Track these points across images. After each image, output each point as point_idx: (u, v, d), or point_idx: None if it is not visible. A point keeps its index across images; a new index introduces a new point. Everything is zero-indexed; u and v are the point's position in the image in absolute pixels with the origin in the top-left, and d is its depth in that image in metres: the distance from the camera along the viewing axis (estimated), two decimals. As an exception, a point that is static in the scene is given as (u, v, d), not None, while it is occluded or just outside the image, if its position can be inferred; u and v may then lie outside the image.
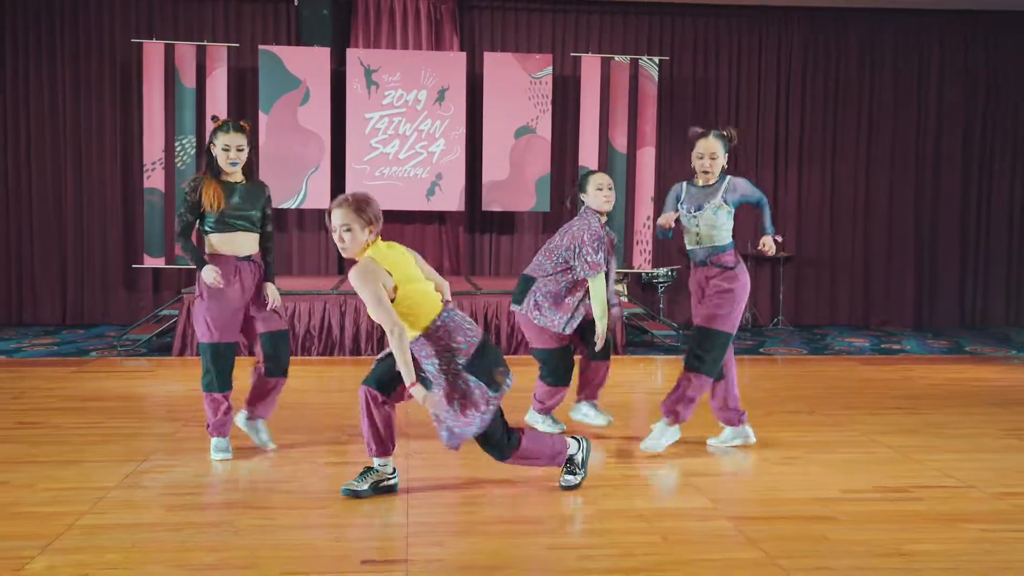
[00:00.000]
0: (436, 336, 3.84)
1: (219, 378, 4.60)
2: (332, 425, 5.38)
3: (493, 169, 10.33)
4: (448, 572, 3.23)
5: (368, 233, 3.84)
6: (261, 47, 10.08)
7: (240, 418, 4.80)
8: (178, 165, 9.99)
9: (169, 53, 10.01)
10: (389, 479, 4.11)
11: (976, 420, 5.82)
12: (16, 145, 10.24)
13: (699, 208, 4.89)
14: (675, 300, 11.06)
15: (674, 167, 11.06)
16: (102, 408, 5.86)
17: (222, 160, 4.55)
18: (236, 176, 4.65)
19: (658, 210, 10.79)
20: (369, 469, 4.11)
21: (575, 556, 3.38)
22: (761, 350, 9.15)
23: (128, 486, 4.18)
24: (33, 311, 10.35)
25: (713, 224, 4.89)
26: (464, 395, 3.84)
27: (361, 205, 3.84)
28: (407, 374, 3.74)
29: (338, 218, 3.83)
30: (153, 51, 9.95)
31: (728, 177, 4.96)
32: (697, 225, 4.92)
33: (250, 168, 4.75)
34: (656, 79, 10.54)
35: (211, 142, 4.59)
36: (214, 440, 4.68)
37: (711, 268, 4.94)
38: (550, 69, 10.36)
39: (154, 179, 9.97)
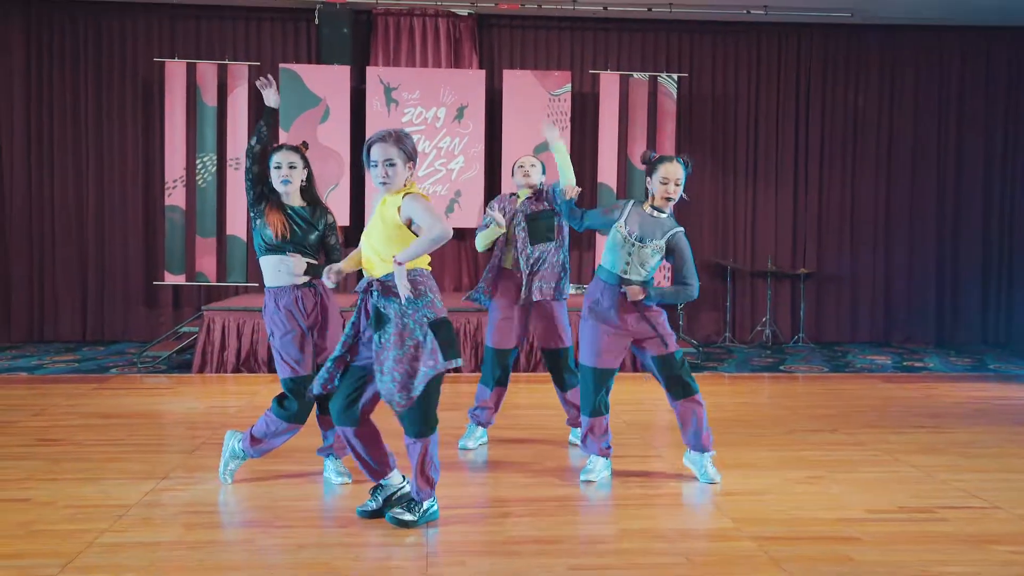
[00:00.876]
0: (424, 279, 3.87)
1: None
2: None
3: (512, 186, 10.27)
4: (469, 592, 3.20)
5: (408, 169, 3.88)
6: (282, 65, 10.15)
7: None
8: (199, 183, 10.06)
9: (191, 72, 10.10)
10: (401, 487, 4.08)
11: (1001, 439, 5.74)
12: (39, 163, 10.33)
13: (641, 240, 4.56)
14: (694, 317, 11.01)
15: (693, 183, 11.02)
16: (122, 425, 5.88)
17: (274, 179, 4.45)
18: (295, 199, 4.51)
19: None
20: (379, 487, 4.09)
21: (597, 577, 3.35)
22: (782, 368, 9.09)
23: (148, 504, 4.18)
24: (54, 328, 10.41)
25: (644, 263, 4.59)
26: (418, 345, 3.81)
27: (402, 138, 3.87)
28: (404, 254, 3.73)
29: (381, 152, 3.82)
30: (175, 70, 10.03)
31: (679, 230, 4.60)
32: (629, 255, 4.58)
33: (314, 192, 4.58)
34: (675, 96, 10.53)
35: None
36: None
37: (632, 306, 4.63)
38: (569, 86, 10.37)
39: (175, 196, 10.04)
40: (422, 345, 3.81)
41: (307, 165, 4.52)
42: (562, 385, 5.33)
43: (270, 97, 4.58)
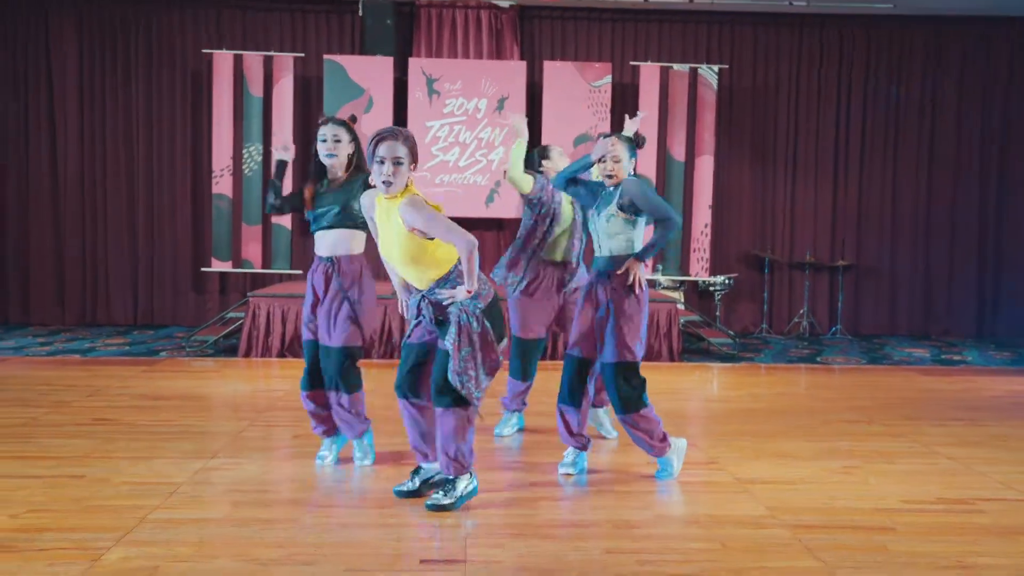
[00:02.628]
0: (459, 274, 3.84)
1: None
2: (392, 430, 5.41)
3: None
4: (507, 573, 3.24)
5: (411, 170, 3.80)
6: (326, 56, 10.23)
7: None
8: (245, 172, 10.18)
9: (238, 63, 10.21)
10: (439, 472, 4.10)
11: (1041, 433, 5.67)
12: (92, 153, 10.53)
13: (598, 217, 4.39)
14: (732, 308, 10.95)
15: (732, 174, 10.97)
16: (171, 406, 5.99)
17: (320, 152, 4.44)
18: (337, 173, 4.48)
19: (716, 217, 10.72)
20: (419, 468, 4.15)
21: (633, 560, 3.37)
22: (819, 359, 9.02)
23: (197, 482, 4.27)
24: (107, 312, 10.62)
25: (607, 232, 4.35)
26: (481, 335, 3.83)
27: (410, 138, 3.79)
28: (471, 283, 3.73)
29: (390, 150, 3.71)
30: (222, 61, 10.15)
31: (625, 179, 4.41)
32: (595, 228, 4.40)
33: (360, 167, 4.48)
34: (715, 87, 10.46)
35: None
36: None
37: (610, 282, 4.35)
38: (609, 78, 10.34)
39: (222, 185, 10.18)
40: (485, 335, 3.85)
41: (354, 139, 4.49)
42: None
43: (286, 155, 4.57)
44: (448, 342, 3.83)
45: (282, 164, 4.59)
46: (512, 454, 4.97)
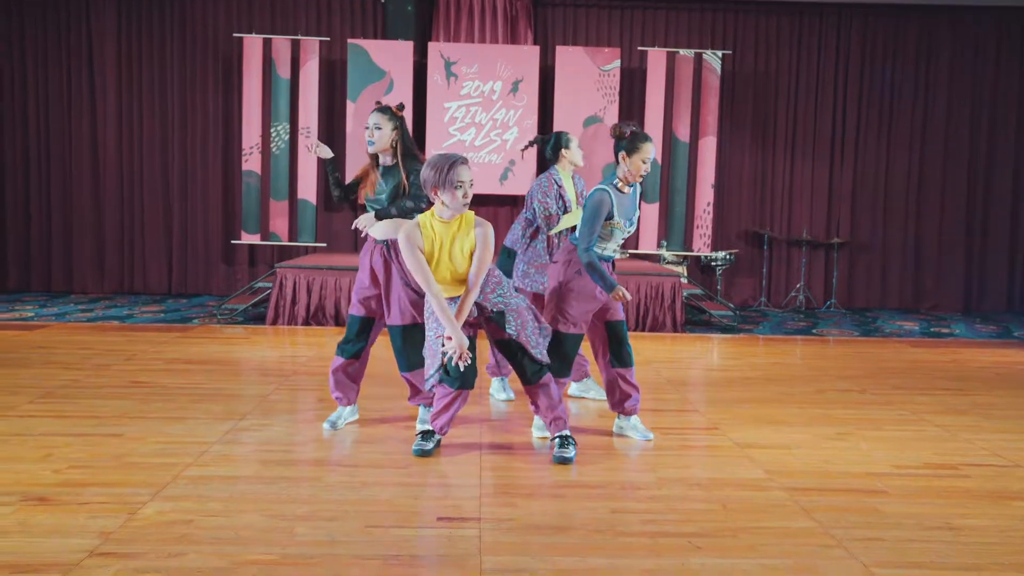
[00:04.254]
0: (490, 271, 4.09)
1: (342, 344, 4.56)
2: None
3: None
4: (519, 531, 3.24)
5: None
6: (350, 40, 10.15)
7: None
8: (273, 150, 10.15)
9: (266, 46, 10.15)
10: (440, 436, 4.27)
11: (1023, 402, 5.63)
12: (130, 131, 10.51)
13: (630, 221, 4.35)
14: (732, 282, 10.91)
15: (734, 156, 10.88)
16: (203, 371, 6.00)
17: (367, 138, 4.42)
18: (386, 159, 4.44)
19: (718, 196, 10.64)
20: (430, 432, 4.19)
21: (638, 520, 3.36)
22: (814, 331, 8.98)
23: (228, 442, 4.28)
24: (143, 281, 10.65)
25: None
26: (528, 308, 4.11)
27: None
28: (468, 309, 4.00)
29: (469, 174, 3.91)
30: (252, 45, 10.09)
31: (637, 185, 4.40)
32: (625, 235, 4.38)
33: (405, 153, 4.40)
34: (719, 72, 10.35)
35: None
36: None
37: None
38: (618, 62, 10.24)
39: (251, 162, 10.15)
40: (531, 307, 4.12)
41: (398, 126, 4.40)
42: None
43: (325, 152, 4.53)
44: (512, 330, 4.03)
45: (329, 161, 4.54)
46: (523, 418, 4.95)
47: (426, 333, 4.13)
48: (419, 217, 3.98)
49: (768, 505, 3.57)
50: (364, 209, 4.51)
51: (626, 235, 4.38)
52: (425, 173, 3.91)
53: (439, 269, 3.96)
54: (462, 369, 3.98)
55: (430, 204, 4.16)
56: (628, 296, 4.22)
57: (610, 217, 4.24)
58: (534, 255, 5.18)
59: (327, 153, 4.55)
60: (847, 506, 3.57)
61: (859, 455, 4.33)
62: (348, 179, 4.58)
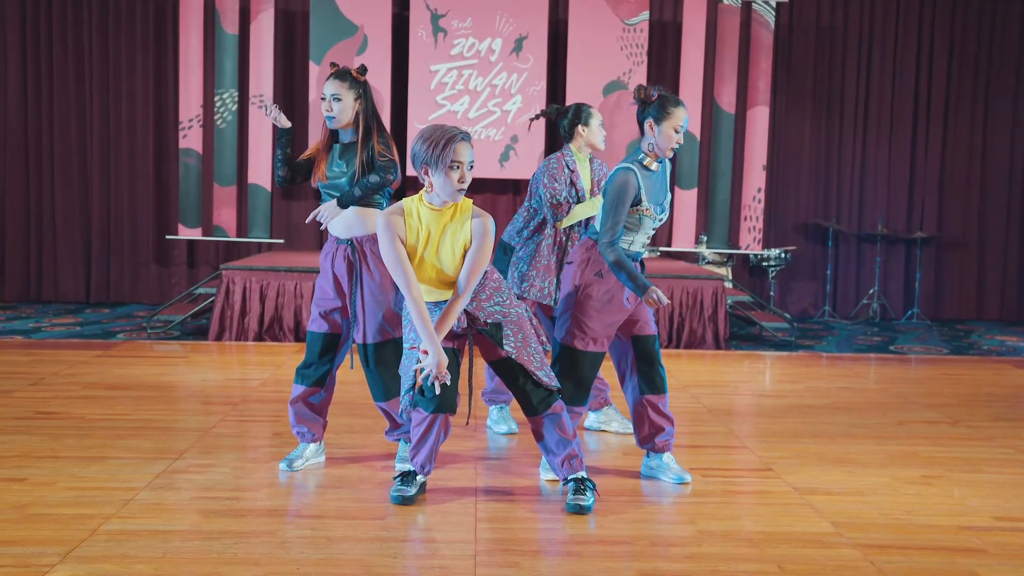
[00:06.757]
0: (491, 274, 4.12)
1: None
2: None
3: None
4: (523, 598, 3.23)
5: None
6: (313, -12, 10.18)
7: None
8: (218, 123, 10.16)
9: (209, -6, 10.18)
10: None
11: None
12: (37, 98, 10.52)
13: (661, 207, 4.33)
14: (788, 287, 10.91)
15: (791, 130, 10.89)
16: (130, 398, 5.99)
17: (324, 112, 4.41)
18: (346, 135, 4.44)
19: (771, 180, 10.65)
20: (414, 474, 4.17)
21: (672, 585, 3.35)
22: (891, 348, 8.98)
23: (159, 487, 4.26)
24: (54, 287, 10.66)
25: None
26: (530, 320, 4.15)
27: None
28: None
29: (470, 154, 3.89)
30: (191, -8, 10.11)
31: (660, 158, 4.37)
32: (656, 224, 4.37)
33: (368, 131, 4.38)
34: (772, 26, 10.37)
35: None
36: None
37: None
38: (647, 14, 10.26)
39: (190, 138, 10.17)
40: (532, 319, 4.16)
41: (361, 94, 4.39)
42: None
43: (283, 121, 4.54)
44: (510, 347, 4.05)
45: (283, 132, 4.55)
46: (530, 456, 4.93)
47: (403, 345, 4.12)
48: (404, 201, 3.97)
49: (836, 566, 3.55)
50: (320, 197, 4.48)
51: (657, 224, 4.37)
52: (416, 146, 3.89)
53: (423, 267, 3.95)
54: (437, 391, 3.96)
55: (399, 179, 4.22)
56: (665, 300, 4.19)
57: (637, 202, 4.24)
58: (538, 254, 5.16)
59: (285, 123, 4.55)
60: (936, 568, 3.56)
61: (951, 504, 4.32)
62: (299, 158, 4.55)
